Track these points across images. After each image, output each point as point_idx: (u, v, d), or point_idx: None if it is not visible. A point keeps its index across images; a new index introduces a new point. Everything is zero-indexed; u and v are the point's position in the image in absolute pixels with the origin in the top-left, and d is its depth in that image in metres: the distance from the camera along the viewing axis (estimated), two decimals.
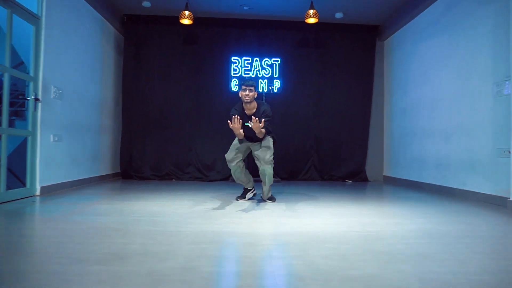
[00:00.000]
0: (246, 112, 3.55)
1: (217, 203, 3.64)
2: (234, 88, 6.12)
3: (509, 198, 3.48)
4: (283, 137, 6.35)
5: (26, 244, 2.11)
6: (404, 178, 5.83)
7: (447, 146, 4.65)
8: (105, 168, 5.92)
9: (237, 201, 3.80)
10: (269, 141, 3.63)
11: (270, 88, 6.26)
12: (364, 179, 6.46)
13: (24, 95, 4.31)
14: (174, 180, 6.18)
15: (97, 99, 5.58)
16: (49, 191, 4.18)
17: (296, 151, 6.37)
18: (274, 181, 5.18)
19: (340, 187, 5.52)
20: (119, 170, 6.32)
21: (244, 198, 3.86)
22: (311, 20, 5.07)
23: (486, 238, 2.34)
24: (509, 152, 3.49)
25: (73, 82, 4.79)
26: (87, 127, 5.23)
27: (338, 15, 5.99)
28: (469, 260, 1.83)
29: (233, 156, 3.61)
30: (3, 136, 3.52)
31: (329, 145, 6.45)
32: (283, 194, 4.48)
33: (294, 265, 1.75)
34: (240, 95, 3.51)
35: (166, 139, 6.22)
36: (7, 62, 3.53)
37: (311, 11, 5.00)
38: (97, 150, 5.60)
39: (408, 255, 1.90)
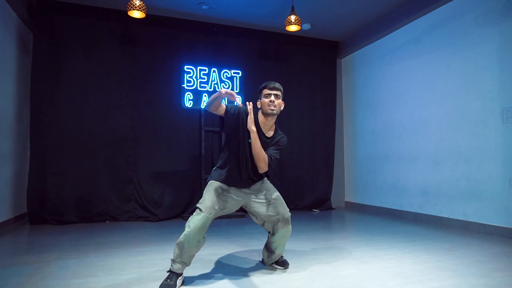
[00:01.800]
0: (261, 127, 2.38)
1: (151, 269, 2.53)
2: (188, 104, 4.97)
3: None
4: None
5: None
6: (376, 205, 5.44)
7: (437, 173, 4.36)
8: (1, 211, 4.12)
9: None
10: (276, 192, 2.50)
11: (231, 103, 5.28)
12: (330, 207, 5.91)
13: None
14: (108, 222, 4.68)
15: None
16: None
17: None
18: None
19: (311, 218, 4.84)
20: (25, 211, 4.54)
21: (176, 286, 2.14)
22: (292, 28, 4.33)
23: None
24: None
25: None
26: None
27: (305, 26, 5.40)
28: None
29: (213, 203, 2.22)
30: None
31: (292, 170, 5.75)
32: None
33: None
34: (260, 104, 2.40)
35: (95, 167, 4.70)
36: None
37: (293, 18, 4.26)
38: None
39: None
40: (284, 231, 2.41)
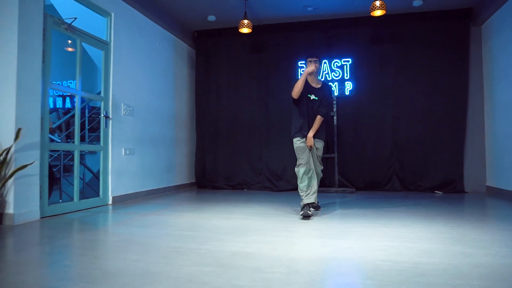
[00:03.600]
0: (311, 84, 3.61)
1: (265, 218, 3.44)
2: None
3: None
4: (359, 144, 5.84)
5: (46, 256, 2.24)
6: None
7: None
8: (181, 178, 6.24)
9: (307, 219, 3.31)
10: (322, 144, 3.68)
11: (341, 90, 5.80)
12: (460, 190, 5.46)
13: (79, 112, 4.79)
14: (245, 189, 6.17)
15: (171, 113, 5.92)
16: (121, 201, 4.54)
17: (374, 158, 5.74)
18: (349, 191, 5.63)
19: (424, 200, 4.75)
20: (194, 180, 6.60)
21: (310, 213, 3.36)
22: (378, 13, 4.51)
23: None
24: None
25: (144, 99, 5.16)
26: (160, 140, 5.58)
27: (416, 2, 5.24)
28: None
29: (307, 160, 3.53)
30: (76, 152, 3.94)
31: (414, 150, 5.65)
32: (347, 207, 4.04)
33: None
34: (306, 69, 3.51)
35: (236, 149, 6.27)
36: (77, 86, 3.96)
37: (377, 3, 4.45)
38: (172, 161, 5.93)
39: None
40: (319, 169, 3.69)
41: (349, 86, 5.79)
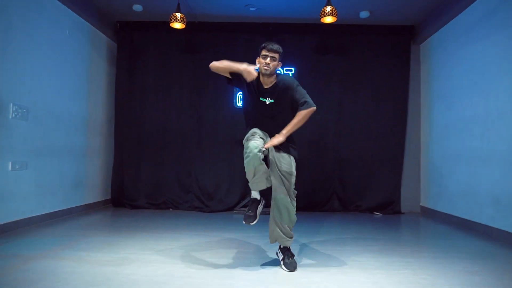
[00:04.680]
0: (263, 85, 2.55)
1: (208, 248, 2.72)
2: (240, 103, 5.23)
3: None
4: (299, 162, 5.38)
5: None
6: (448, 212, 4.67)
7: (510, 178, 3.52)
8: (93, 195, 5.18)
9: (248, 224, 2.49)
10: (290, 164, 2.56)
11: None
12: (397, 211, 5.33)
13: None
14: (171, 209, 5.34)
15: (83, 117, 4.88)
16: (4, 231, 3.43)
17: (314, 177, 5.34)
18: None
19: (369, 222, 4.47)
20: (110, 197, 5.57)
21: (256, 217, 2.50)
22: (328, 19, 4.12)
23: None
24: None
25: (46, 99, 4.09)
26: (67, 150, 4.52)
27: (363, 14, 5.00)
28: None
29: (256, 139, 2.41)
30: None
31: (354, 170, 5.40)
32: (296, 231, 3.50)
33: None
34: (257, 62, 2.55)
35: (162, 162, 5.42)
36: None
37: (328, 9, 4.05)
38: (81, 175, 4.87)
39: None
40: (278, 205, 2.49)
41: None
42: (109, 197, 5.55)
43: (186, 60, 5.50)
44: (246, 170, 2.42)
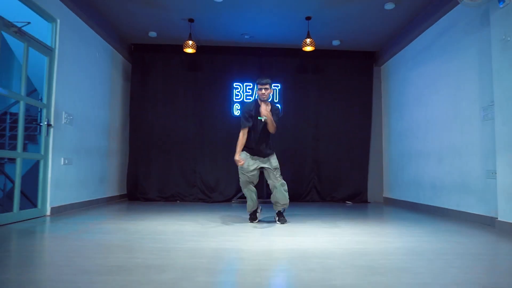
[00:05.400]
0: (261, 106, 3.73)
1: (217, 223, 3.81)
2: (236, 113, 6.38)
3: (497, 218, 3.61)
4: (284, 160, 6.53)
5: (38, 258, 2.31)
6: (403, 199, 5.95)
7: (441, 168, 4.81)
8: (112, 189, 6.14)
9: (252, 222, 3.89)
10: (276, 163, 3.82)
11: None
12: (365, 201, 6.59)
13: (37, 120, 4.60)
14: (178, 201, 6.37)
15: (106, 123, 5.87)
16: (59, 212, 4.39)
17: (297, 174, 6.54)
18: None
19: (339, 208, 5.66)
20: (125, 192, 6.54)
21: (257, 218, 3.94)
22: (308, 48, 5.37)
23: (466, 255, 2.47)
24: (496, 173, 3.65)
25: (83, 108, 5.09)
26: (95, 151, 5.50)
27: (335, 42, 6.30)
28: (443, 274, 1.98)
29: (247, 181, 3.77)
30: (18, 160, 3.77)
31: (329, 167, 6.63)
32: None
33: (280, 277, 1.92)
34: (258, 95, 3.74)
35: (170, 161, 6.46)
36: (22, 91, 3.83)
37: (308, 40, 5.30)
38: (105, 172, 5.84)
39: (388, 269, 2.06)
40: (276, 188, 3.72)
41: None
42: (124, 192, 6.52)
43: (189, 77, 6.61)
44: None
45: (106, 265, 2.07)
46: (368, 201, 6.66)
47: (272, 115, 3.65)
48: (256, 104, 3.76)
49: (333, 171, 6.63)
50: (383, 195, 6.80)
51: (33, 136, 6.24)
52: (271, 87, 3.72)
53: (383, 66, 6.90)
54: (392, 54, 6.36)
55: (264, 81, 3.67)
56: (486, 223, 3.84)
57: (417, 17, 5.35)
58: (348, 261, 2.22)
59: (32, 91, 5.93)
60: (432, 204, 5.02)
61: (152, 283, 1.74)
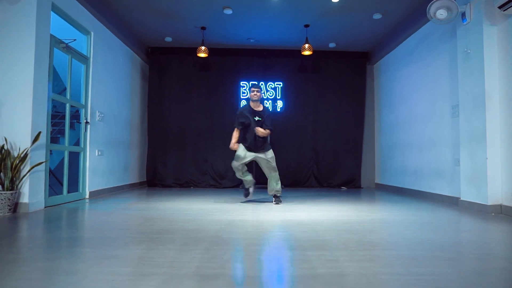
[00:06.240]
0: (254, 108, 4.59)
1: (229, 203, 4.62)
2: None
3: (459, 198, 4.38)
4: (286, 151, 7.35)
5: (104, 224, 3.10)
6: (390, 184, 6.73)
7: (421, 157, 5.57)
8: (134, 177, 6.96)
9: (246, 198, 4.82)
10: (271, 154, 4.58)
11: (274, 107, 7.27)
12: (358, 186, 7.37)
13: (68, 117, 5.36)
14: (192, 187, 7.18)
15: (128, 119, 6.66)
16: (94, 195, 5.21)
17: (298, 162, 7.32)
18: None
19: (335, 192, 6.45)
20: (145, 179, 7.36)
21: (249, 193, 4.79)
22: (306, 53, 6.09)
23: (422, 223, 3.25)
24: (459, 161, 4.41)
25: (110, 106, 5.87)
26: (120, 143, 6.29)
27: (331, 44, 7.00)
28: (398, 233, 2.76)
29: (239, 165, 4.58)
30: (66, 152, 4.58)
31: (327, 156, 7.40)
32: (284, 198, 5.44)
33: (281, 235, 2.71)
34: (250, 96, 4.62)
35: (184, 152, 7.25)
36: (68, 95, 4.61)
37: (306, 46, 6.02)
38: (128, 162, 6.65)
39: (359, 231, 2.85)
40: (271, 177, 4.54)
41: (280, 104, 7.29)
42: (144, 179, 7.35)
43: (201, 76, 7.36)
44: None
45: (155, 229, 2.87)
46: (362, 186, 7.45)
47: (265, 119, 4.52)
48: (249, 104, 4.64)
49: (330, 160, 7.40)
50: (375, 181, 7.58)
51: (62, 130, 7.04)
52: (261, 91, 4.66)
53: (375, 64, 7.60)
54: (382, 55, 7.06)
55: (256, 85, 4.72)
56: (453, 203, 4.62)
57: (401, 25, 6.04)
58: (332, 226, 3.01)
59: (63, 90, 6.71)
60: (414, 188, 5.79)
61: (193, 239, 2.54)
